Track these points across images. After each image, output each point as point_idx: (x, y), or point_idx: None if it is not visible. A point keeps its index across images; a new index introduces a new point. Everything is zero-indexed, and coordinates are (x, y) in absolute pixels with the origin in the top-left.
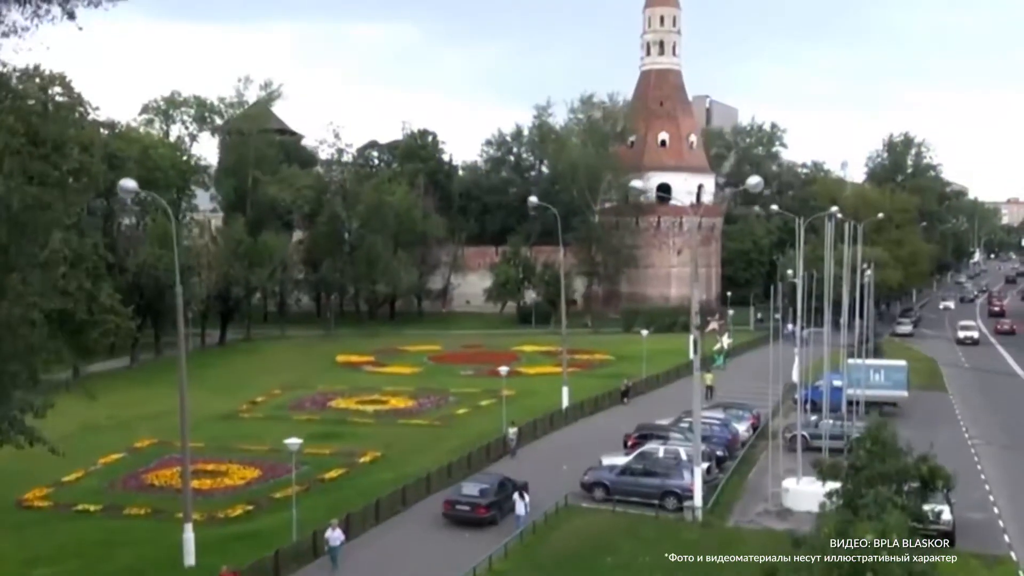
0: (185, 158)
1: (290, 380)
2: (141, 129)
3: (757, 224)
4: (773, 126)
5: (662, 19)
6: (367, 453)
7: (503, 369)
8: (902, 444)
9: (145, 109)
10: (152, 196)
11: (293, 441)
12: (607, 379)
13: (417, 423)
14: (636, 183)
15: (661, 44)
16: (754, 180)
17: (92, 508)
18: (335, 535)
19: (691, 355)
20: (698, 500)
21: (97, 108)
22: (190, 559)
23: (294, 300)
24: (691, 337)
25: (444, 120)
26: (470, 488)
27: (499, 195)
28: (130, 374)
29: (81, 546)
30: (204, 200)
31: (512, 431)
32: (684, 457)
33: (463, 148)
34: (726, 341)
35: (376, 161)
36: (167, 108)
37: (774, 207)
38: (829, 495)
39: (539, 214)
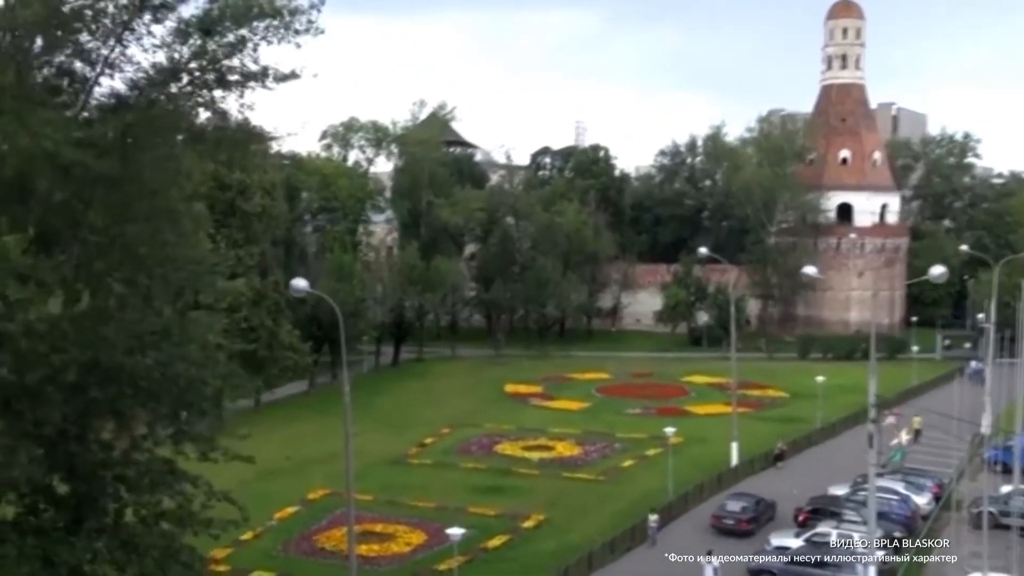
0: (362, 184)
1: (458, 414)
2: (321, 154)
3: (946, 241)
4: (966, 136)
5: (845, 31)
6: (531, 516)
7: (670, 430)
8: None
9: (324, 135)
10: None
11: (455, 531)
12: (779, 423)
13: (582, 477)
14: (810, 269)
15: (844, 58)
16: (937, 271)
17: None
18: None
19: (868, 451)
20: None
21: (278, 149)
22: None
23: (465, 316)
24: (868, 431)
25: (617, 110)
26: (733, 505)
27: (672, 207)
28: (307, 401)
29: None
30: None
31: (653, 518)
32: (859, 544)
33: (636, 142)
34: (904, 437)
35: (548, 168)
36: (345, 133)
37: (964, 247)
38: None
39: (713, 228)
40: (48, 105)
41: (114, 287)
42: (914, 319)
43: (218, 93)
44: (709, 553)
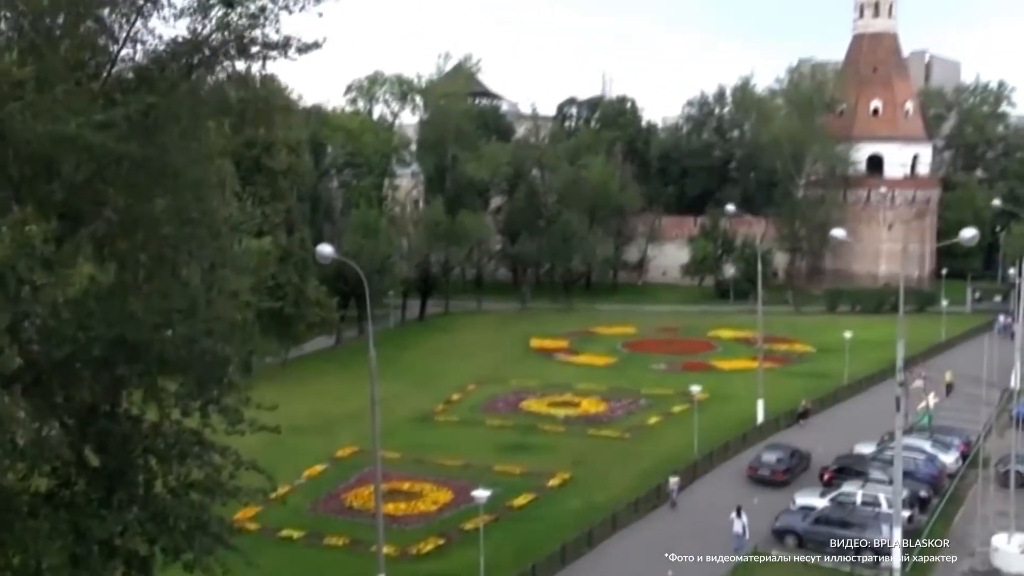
0: (387, 138)
1: (484, 370)
2: (346, 108)
3: (978, 192)
4: (1000, 84)
5: None
6: (556, 474)
7: (695, 388)
8: None
9: (349, 89)
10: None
11: (481, 494)
12: (806, 379)
13: (607, 435)
14: (838, 232)
15: (876, 6)
16: (968, 235)
17: (295, 535)
18: None
19: (896, 414)
20: (896, 562)
21: (301, 104)
22: None
23: (491, 270)
24: (895, 395)
25: (645, 59)
26: (769, 456)
27: (700, 158)
28: (335, 355)
29: None
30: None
31: (674, 480)
32: (884, 504)
33: (664, 92)
34: (931, 400)
35: (575, 119)
36: (369, 87)
37: (996, 202)
38: None
39: (741, 179)
40: (70, 81)
41: (141, 259)
42: (944, 271)
43: (240, 64)
44: (737, 510)
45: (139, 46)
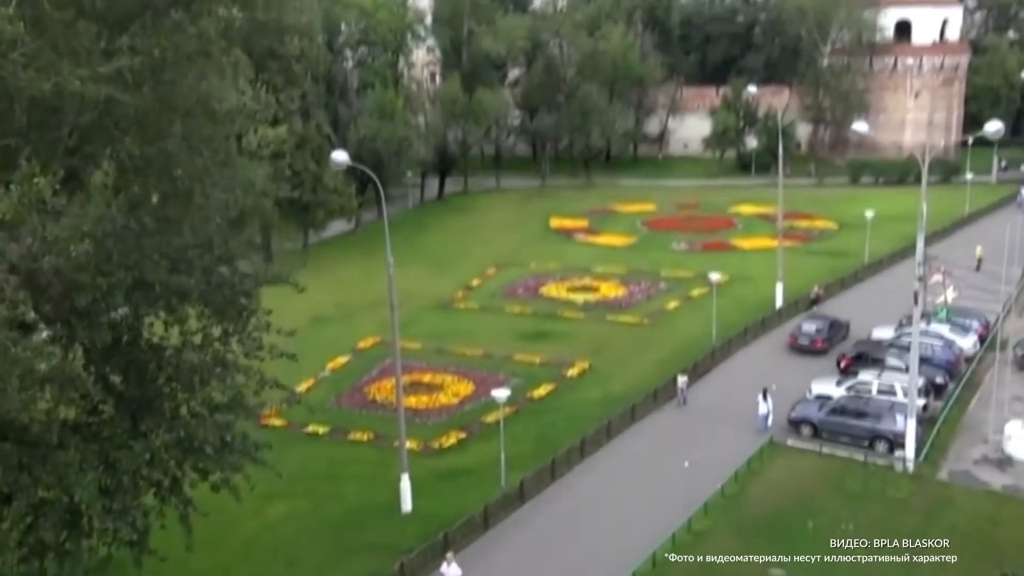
0: (401, 15)
1: (504, 252)
2: None
3: (1009, 55)
4: None
5: None
6: (575, 363)
7: (714, 276)
8: None
9: None
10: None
11: (501, 392)
12: (827, 258)
13: (626, 321)
14: (860, 126)
15: None
16: (993, 128)
17: (321, 431)
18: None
19: (913, 306)
20: (909, 452)
21: None
22: (407, 505)
23: (510, 146)
24: (913, 290)
25: None
26: (809, 327)
27: (723, 24)
28: (354, 240)
29: (311, 479)
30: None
31: (682, 379)
32: (900, 394)
33: None
34: (951, 294)
35: None
36: None
37: None
38: None
39: (764, 45)
40: (72, 28)
41: (154, 197)
42: (970, 139)
43: None
44: (763, 392)
45: None
